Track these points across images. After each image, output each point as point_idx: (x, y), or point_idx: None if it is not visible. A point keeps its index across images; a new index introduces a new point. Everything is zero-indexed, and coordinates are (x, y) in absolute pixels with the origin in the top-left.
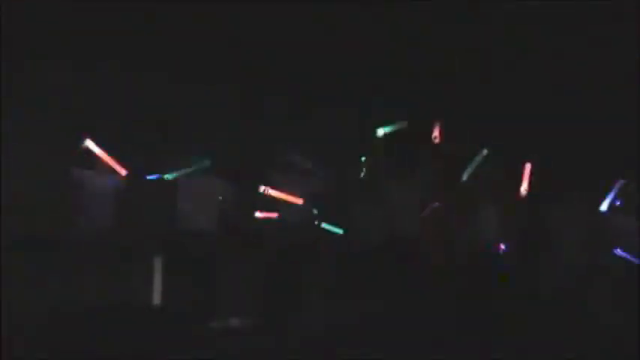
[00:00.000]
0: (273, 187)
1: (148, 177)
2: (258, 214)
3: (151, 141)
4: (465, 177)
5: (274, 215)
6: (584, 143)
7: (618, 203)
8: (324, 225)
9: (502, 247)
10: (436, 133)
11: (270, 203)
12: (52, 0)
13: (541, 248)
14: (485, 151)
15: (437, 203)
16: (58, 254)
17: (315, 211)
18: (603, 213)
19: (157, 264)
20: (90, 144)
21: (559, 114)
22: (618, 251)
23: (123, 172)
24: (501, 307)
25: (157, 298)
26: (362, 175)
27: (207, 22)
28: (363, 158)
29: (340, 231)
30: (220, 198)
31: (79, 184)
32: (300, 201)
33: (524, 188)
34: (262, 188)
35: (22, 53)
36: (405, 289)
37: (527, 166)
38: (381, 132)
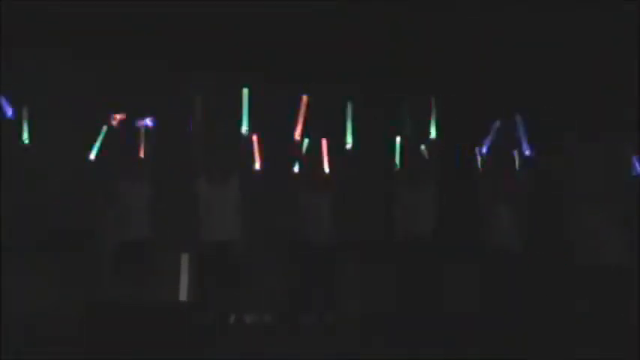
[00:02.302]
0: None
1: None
2: None
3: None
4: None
5: None
6: None
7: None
8: None
9: None
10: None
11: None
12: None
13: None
14: None
15: None
16: (86, 253)
17: None
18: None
19: (184, 261)
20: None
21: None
22: None
23: None
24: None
25: (183, 295)
26: None
27: (208, 21)
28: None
29: None
30: None
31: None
32: None
33: None
34: None
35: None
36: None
37: None
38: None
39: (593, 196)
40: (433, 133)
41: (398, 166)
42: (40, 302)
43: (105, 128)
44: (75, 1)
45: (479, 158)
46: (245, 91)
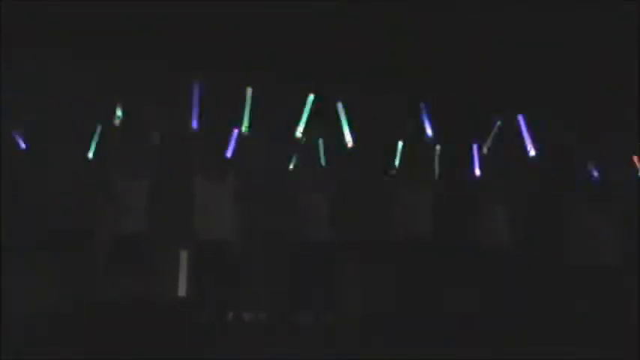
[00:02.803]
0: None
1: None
2: None
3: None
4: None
5: None
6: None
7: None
8: None
9: None
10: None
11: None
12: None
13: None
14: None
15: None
16: (85, 250)
17: None
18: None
19: (183, 257)
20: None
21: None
22: None
23: None
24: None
25: (182, 291)
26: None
27: (208, 21)
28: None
29: None
30: None
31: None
32: None
33: None
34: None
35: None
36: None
37: None
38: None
39: (593, 196)
40: (429, 133)
41: (396, 167)
42: (40, 302)
43: (100, 128)
44: (75, 1)
45: (478, 158)
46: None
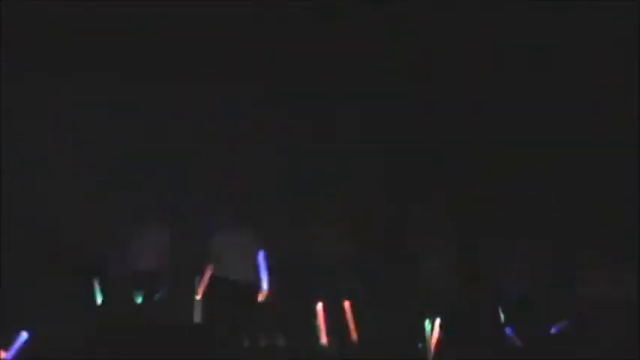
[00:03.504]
0: None
1: None
2: None
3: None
4: None
5: None
6: None
7: None
8: None
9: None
10: None
11: None
12: None
13: None
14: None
15: None
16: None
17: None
18: None
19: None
20: None
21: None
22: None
23: None
24: None
25: (197, 317)
26: None
27: (208, 21)
28: None
29: None
30: None
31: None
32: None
33: None
34: None
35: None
36: None
37: None
38: None
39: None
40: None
41: None
42: (51, 326)
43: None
44: (75, 1)
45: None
46: None
